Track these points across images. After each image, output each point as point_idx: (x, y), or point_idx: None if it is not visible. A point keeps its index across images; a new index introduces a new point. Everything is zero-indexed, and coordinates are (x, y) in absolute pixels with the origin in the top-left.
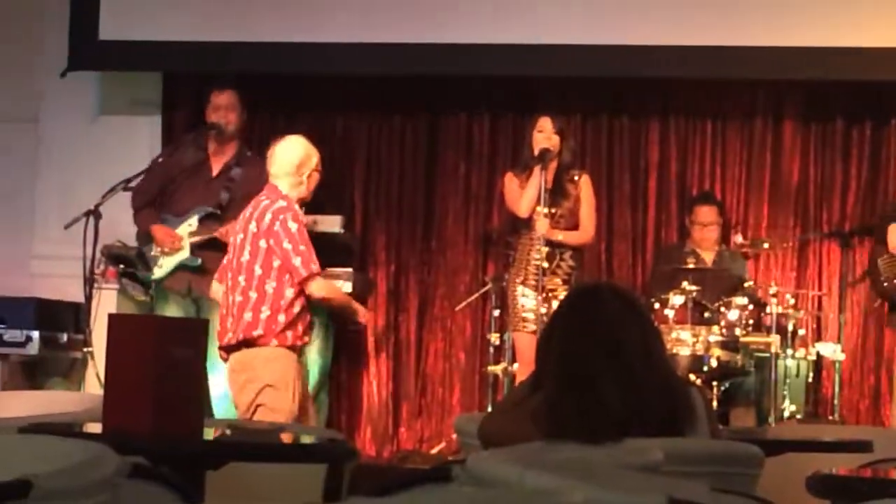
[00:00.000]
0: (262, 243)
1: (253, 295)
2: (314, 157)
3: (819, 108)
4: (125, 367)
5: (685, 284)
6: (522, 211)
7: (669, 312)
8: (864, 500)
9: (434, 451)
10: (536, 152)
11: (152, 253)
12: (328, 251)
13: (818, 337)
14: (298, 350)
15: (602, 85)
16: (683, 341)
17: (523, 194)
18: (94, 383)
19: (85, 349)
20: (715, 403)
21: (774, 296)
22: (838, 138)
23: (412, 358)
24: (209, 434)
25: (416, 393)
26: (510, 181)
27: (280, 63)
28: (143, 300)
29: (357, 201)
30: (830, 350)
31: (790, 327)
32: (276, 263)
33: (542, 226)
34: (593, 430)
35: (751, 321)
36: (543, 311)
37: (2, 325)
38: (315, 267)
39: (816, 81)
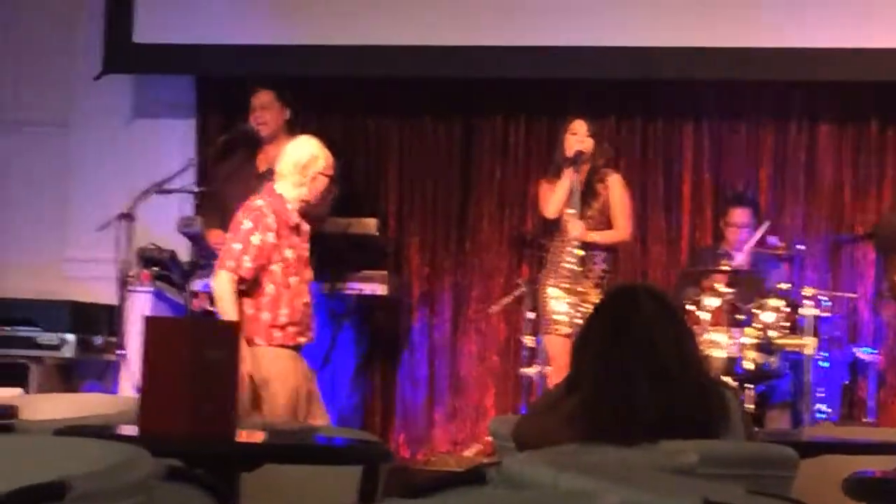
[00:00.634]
0: (228, 236)
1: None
2: (321, 160)
3: (853, 110)
4: (160, 368)
5: (719, 286)
6: (549, 212)
7: (704, 314)
8: None
9: (468, 453)
10: (570, 154)
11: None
12: (363, 253)
13: (853, 339)
14: (294, 348)
15: (636, 87)
16: (718, 343)
17: (551, 196)
18: (128, 386)
19: (119, 352)
20: (749, 406)
21: (809, 298)
22: (873, 139)
23: (446, 360)
24: (244, 436)
25: (451, 395)
26: (543, 185)
27: (314, 66)
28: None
29: (392, 204)
30: (865, 352)
31: (825, 329)
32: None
33: (575, 228)
34: (628, 432)
35: (785, 323)
36: (575, 313)
37: (36, 328)
38: (232, 264)
39: (851, 82)
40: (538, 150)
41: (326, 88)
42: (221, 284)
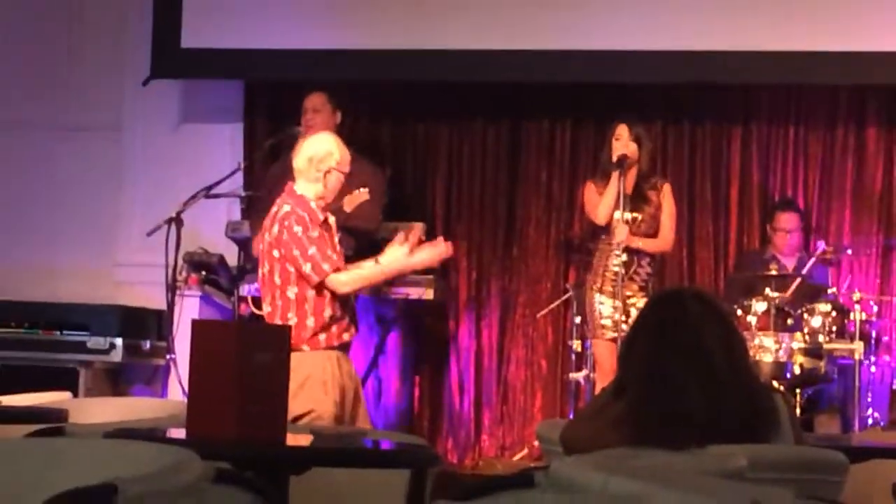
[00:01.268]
0: (276, 253)
1: (279, 303)
2: (336, 155)
3: None
4: (209, 372)
5: (768, 291)
6: (600, 218)
7: (752, 319)
8: None
9: (516, 458)
10: (615, 159)
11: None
12: None
13: None
14: (339, 349)
15: (684, 92)
16: (766, 348)
17: (601, 201)
18: (176, 390)
19: (168, 356)
20: (798, 410)
21: (857, 302)
22: None
23: (494, 365)
24: (292, 439)
25: (498, 400)
26: (589, 189)
27: (363, 70)
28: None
29: (439, 208)
30: None
31: (874, 334)
32: (291, 269)
33: (621, 232)
34: (677, 436)
35: (834, 328)
36: (620, 317)
37: (85, 333)
38: (328, 266)
39: None
40: (585, 154)
41: (375, 93)
42: (343, 283)
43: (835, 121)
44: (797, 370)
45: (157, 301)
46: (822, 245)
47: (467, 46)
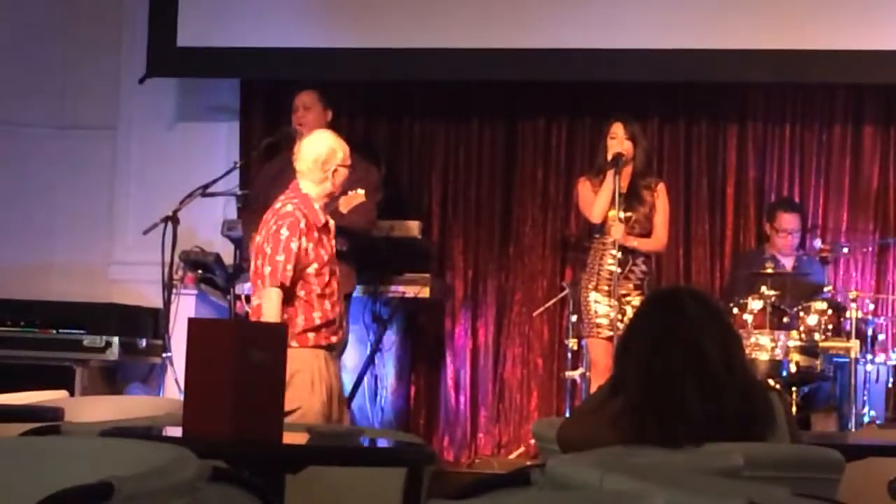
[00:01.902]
0: (266, 248)
1: None
2: (340, 152)
3: None
4: (205, 370)
5: (764, 289)
6: (595, 216)
7: (748, 317)
8: None
9: (512, 456)
10: (609, 157)
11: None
12: (406, 256)
13: None
14: (327, 349)
15: (680, 90)
16: (762, 346)
17: (596, 199)
18: (173, 388)
19: (164, 354)
20: (794, 408)
21: (854, 300)
22: None
23: (490, 363)
24: (289, 438)
25: (494, 398)
26: (583, 186)
27: (359, 69)
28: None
29: (435, 206)
30: None
31: (870, 332)
32: None
33: (617, 231)
34: (674, 434)
35: (830, 326)
36: (616, 315)
37: (82, 331)
38: (277, 280)
39: None
40: (581, 152)
41: (371, 91)
42: (273, 301)
43: (831, 119)
44: (793, 368)
45: (154, 299)
46: (818, 243)
47: (463, 45)
